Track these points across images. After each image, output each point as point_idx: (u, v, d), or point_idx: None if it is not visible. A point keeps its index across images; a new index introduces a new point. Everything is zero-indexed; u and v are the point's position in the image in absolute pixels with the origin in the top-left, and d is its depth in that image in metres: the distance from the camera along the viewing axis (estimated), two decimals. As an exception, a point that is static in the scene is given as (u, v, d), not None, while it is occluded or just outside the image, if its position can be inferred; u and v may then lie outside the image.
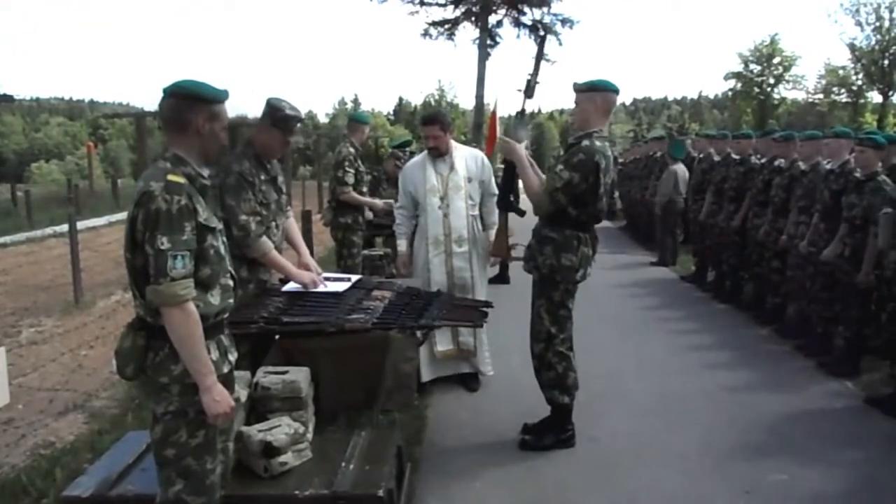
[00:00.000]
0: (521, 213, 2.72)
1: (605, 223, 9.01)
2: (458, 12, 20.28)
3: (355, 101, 51.76)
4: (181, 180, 1.48)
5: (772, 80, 28.64)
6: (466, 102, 23.11)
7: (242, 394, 1.94)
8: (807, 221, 3.83)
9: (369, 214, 4.44)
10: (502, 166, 2.75)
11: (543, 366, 2.56)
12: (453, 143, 3.25)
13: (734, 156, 5.11)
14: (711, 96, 52.92)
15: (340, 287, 2.61)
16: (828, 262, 3.49)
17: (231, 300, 1.61)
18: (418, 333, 2.58)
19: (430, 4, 20.19)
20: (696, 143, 7.37)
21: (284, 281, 2.66)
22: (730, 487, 2.32)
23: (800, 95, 29.10)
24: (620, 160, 10.39)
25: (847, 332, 3.47)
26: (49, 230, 9.71)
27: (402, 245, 3.34)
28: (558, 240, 2.46)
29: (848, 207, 3.40)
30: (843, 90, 26.66)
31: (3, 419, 2.90)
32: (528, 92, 2.51)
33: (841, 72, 26.29)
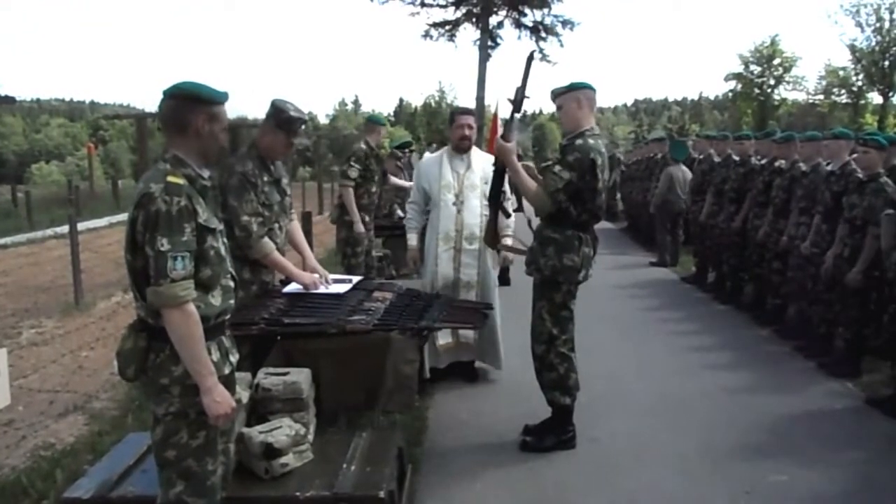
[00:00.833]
0: (507, 215, 2.74)
1: (606, 224, 9.05)
2: (458, 13, 20.30)
3: (356, 103, 51.85)
4: (181, 181, 1.48)
5: (772, 81, 28.65)
6: (467, 104, 23.07)
7: (244, 395, 1.94)
8: (807, 222, 3.83)
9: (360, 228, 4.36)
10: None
11: (545, 367, 2.56)
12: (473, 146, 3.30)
13: (734, 157, 5.11)
14: (712, 97, 53.00)
15: (341, 288, 2.61)
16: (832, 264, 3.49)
17: (232, 301, 1.62)
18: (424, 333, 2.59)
19: (430, 6, 20.22)
20: (697, 145, 7.38)
21: (285, 282, 2.66)
22: (730, 488, 2.32)
23: (800, 96, 29.13)
24: (622, 160, 10.40)
25: (847, 333, 3.47)
26: (49, 231, 9.71)
27: (412, 239, 3.36)
28: (560, 240, 2.46)
29: (849, 208, 3.41)
30: (843, 91, 26.66)
31: (4, 420, 2.90)
32: (517, 106, 2.51)
33: (841, 73, 26.29)
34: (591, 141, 2.44)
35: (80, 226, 6.45)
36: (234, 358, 1.63)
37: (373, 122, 4.65)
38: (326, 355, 2.30)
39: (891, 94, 24.39)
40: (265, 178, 2.49)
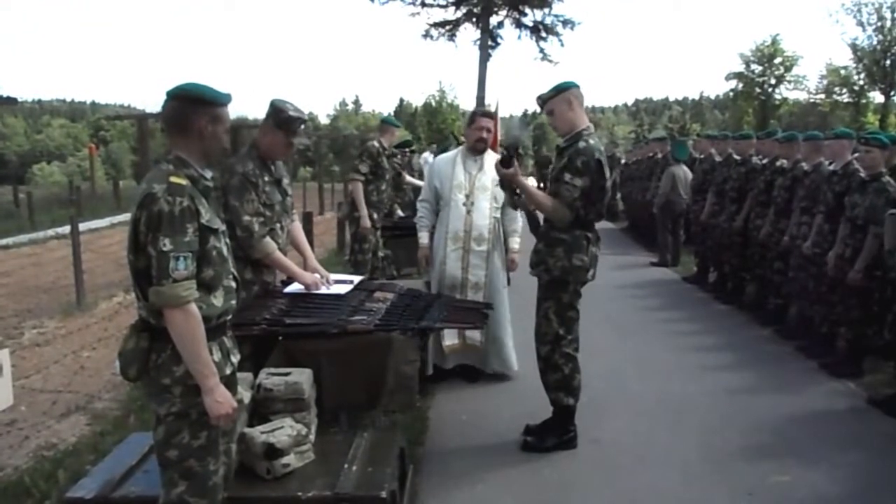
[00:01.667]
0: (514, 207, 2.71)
1: (606, 224, 9.04)
2: (459, 13, 20.32)
3: (356, 103, 51.88)
4: (183, 182, 1.49)
5: (773, 81, 28.60)
6: (467, 104, 23.08)
7: (245, 395, 1.94)
8: (808, 222, 3.82)
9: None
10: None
11: (550, 367, 2.56)
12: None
13: (735, 156, 5.11)
14: (713, 97, 52.95)
15: (342, 289, 2.61)
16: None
17: (234, 302, 1.62)
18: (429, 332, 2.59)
19: (430, 6, 20.24)
20: (698, 144, 7.37)
21: (286, 282, 2.66)
22: (732, 489, 2.32)
23: (801, 96, 29.06)
24: (623, 161, 10.39)
25: (849, 333, 3.47)
26: (51, 232, 9.72)
27: (423, 238, 3.37)
28: (568, 240, 2.46)
29: (850, 207, 3.40)
30: (844, 90, 26.59)
31: (7, 421, 2.91)
32: (505, 163, 2.51)
33: (843, 72, 26.22)
34: (591, 141, 2.45)
35: (82, 226, 6.46)
36: (235, 358, 1.64)
37: (387, 123, 4.76)
38: (328, 355, 2.30)
39: (892, 93, 24.32)
40: (266, 178, 2.49)
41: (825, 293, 3.64)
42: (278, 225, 2.55)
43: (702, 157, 6.31)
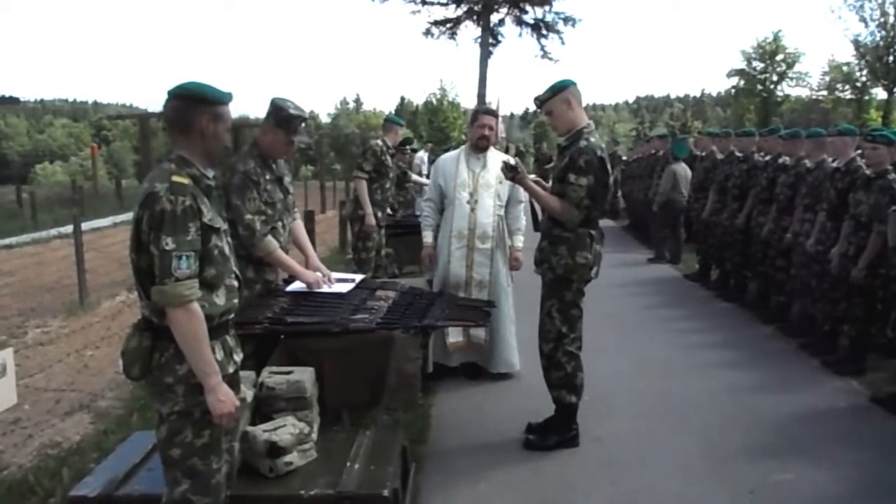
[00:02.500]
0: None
1: (608, 222, 9.03)
2: (459, 11, 20.28)
3: (357, 101, 51.85)
4: (185, 181, 1.49)
5: (775, 78, 28.49)
6: (468, 101, 23.03)
7: (248, 394, 1.95)
8: (811, 219, 3.81)
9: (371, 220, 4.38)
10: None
11: (552, 365, 2.56)
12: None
13: (737, 154, 5.09)
14: (714, 94, 52.73)
15: (344, 287, 2.62)
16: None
17: (236, 300, 1.62)
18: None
19: (431, 3, 20.20)
20: (699, 142, 7.35)
21: (288, 281, 2.67)
22: (734, 487, 2.31)
23: (803, 92, 28.98)
24: (624, 159, 10.37)
25: (853, 331, 3.45)
26: (54, 231, 9.75)
27: (427, 237, 3.38)
28: (572, 239, 2.46)
29: (854, 205, 3.39)
30: (847, 87, 26.48)
31: (11, 419, 2.92)
32: (509, 172, 2.54)
33: (845, 68, 26.10)
34: (592, 139, 2.45)
35: (85, 225, 6.47)
36: (238, 357, 1.64)
37: (391, 122, 4.75)
38: (330, 354, 2.31)
39: (895, 89, 24.20)
40: (267, 177, 2.49)
41: (828, 291, 3.63)
42: (280, 223, 2.55)
43: (703, 154, 6.29)
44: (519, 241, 3.34)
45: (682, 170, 6.58)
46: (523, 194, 3.45)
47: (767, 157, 4.66)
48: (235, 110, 1.64)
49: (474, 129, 3.27)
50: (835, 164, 3.71)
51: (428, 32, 20.57)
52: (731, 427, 2.80)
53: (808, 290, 3.91)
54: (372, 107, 50.12)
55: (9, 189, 17.80)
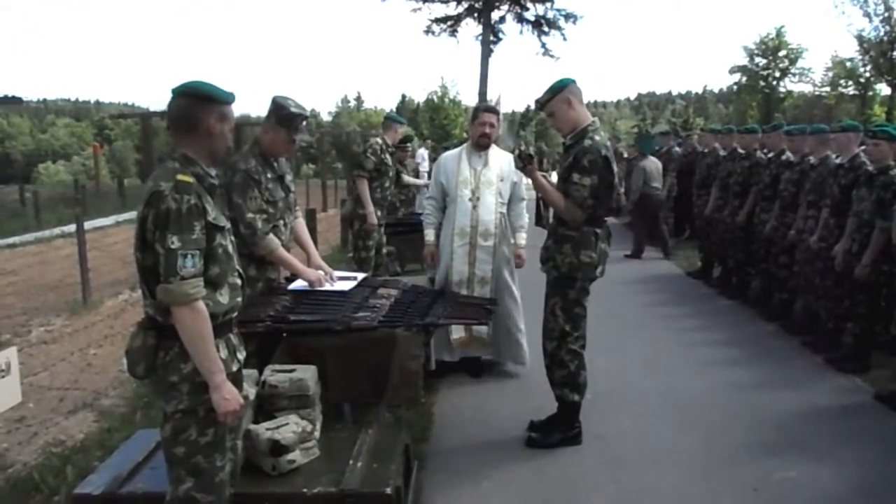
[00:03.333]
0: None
1: (609, 220, 9.01)
2: (460, 9, 20.25)
3: (358, 99, 51.80)
4: (190, 180, 1.49)
5: (777, 74, 28.36)
6: (469, 99, 23.01)
7: (251, 392, 1.95)
8: (815, 216, 3.79)
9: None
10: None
11: (555, 364, 2.56)
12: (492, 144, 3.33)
13: (740, 150, 5.07)
14: (716, 90, 52.61)
15: (346, 286, 2.62)
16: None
17: (239, 299, 1.62)
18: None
19: (432, 1, 20.15)
20: (702, 139, 7.34)
21: (290, 279, 2.67)
22: (737, 485, 2.31)
23: (806, 88, 28.83)
24: (626, 156, 10.35)
25: (856, 328, 3.44)
26: (57, 230, 9.77)
27: (429, 235, 3.39)
28: (577, 237, 2.46)
29: (858, 201, 3.37)
30: (850, 82, 26.33)
31: (16, 417, 2.93)
32: (522, 163, 2.53)
33: (848, 64, 25.96)
34: (597, 137, 2.43)
35: (87, 224, 6.48)
36: (241, 355, 1.64)
37: (391, 120, 4.71)
38: (332, 352, 2.31)
39: (899, 85, 24.05)
40: (269, 175, 2.49)
41: (831, 288, 3.61)
42: (281, 222, 2.55)
43: (705, 151, 6.28)
44: (522, 238, 3.35)
45: (651, 164, 6.76)
46: (526, 192, 3.46)
47: (770, 154, 4.64)
48: (236, 109, 1.64)
49: (475, 126, 3.28)
50: (838, 161, 3.69)
51: (429, 30, 20.56)
52: (734, 425, 2.79)
53: (811, 287, 3.89)
54: (373, 105, 50.14)
55: (12, 188, 17.85)
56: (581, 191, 2.40)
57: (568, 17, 20.14)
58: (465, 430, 2.78)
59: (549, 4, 19.93)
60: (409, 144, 7.12)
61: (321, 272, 2.61)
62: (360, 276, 2.83)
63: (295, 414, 2.04)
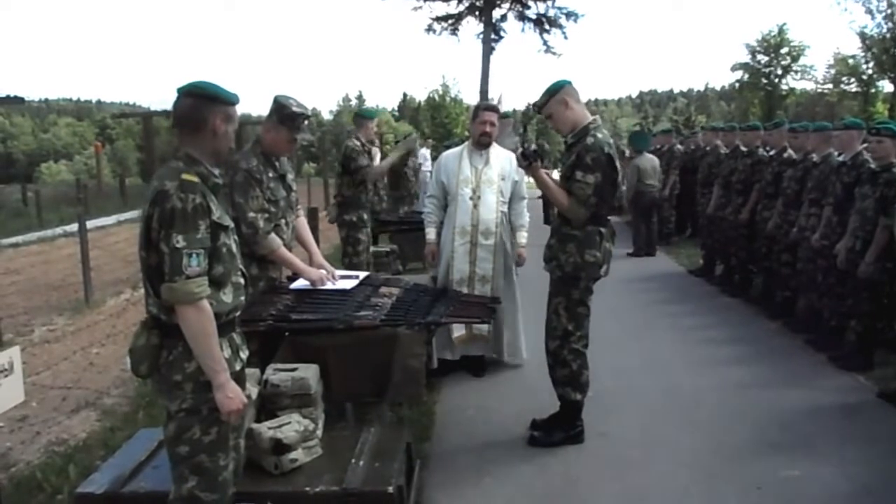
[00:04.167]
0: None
1: (611, 218, 9.00)
2: (461, 7, 20.20)
3: (359, 98, 51.80)
4: (195, 179, 1.49)
5: (780, 71, 28.26)
6: (471, 98, 22.97)
7: (253, 391, 1.95)
8: (818, 214, 3.78)
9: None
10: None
11: (558, 363, 2.56)
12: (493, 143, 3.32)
13: (742, 148, 5.05)
14: (718, 88, 52.50)
15: (348, 284, 2.62)
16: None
17: (242, 298, 1.62)
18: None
19: (433, 0, 20.09)
20: (705, 136, 7.32)
21: (292, 278, 2.67)
22: (741, 483, 2.30)
23: (808, 86, 28.74)
24: (627, 154, 10.33)
25: (859, 326, 3.43)
26: (59, 230, 9.81)
27: (430, 234, 3.39)
28: (580, 236, 2.45)
29: (861, 199, 3.36)
30: (852, 80, 26.23)
31: (18, 417, 2.94)
32: (525, 160, 2.51)
33: (851, 61, 25.85)
34: (599, 135, 2.43)
35: (89, 224, 6.50)
36: (244, 354, 1.64)
37: (361, 116, 4.44)
38: (334, 351, 2.31)
39: (902, 82, 23.94)
40: (270, 175, 2.49)
41: (834, 286, 3.60)
42: (283, 221, 2.55)
43: (708, 149, 6.26)
44: (523, 237, 3.35)
45: (646, 161, 6.76)
46: (527, 191, 3.45)
47: (772, 152, 4.62)
48: (238, 108, 1.64)
49: (476, 125, 3.28)
50: (841, 158, 3.67)
51: (430, 29, 20.52)
52: (738, 423, 2.79)
53: (814, 285, 3.88)
54: (374, 103, 50.03)
55: (14, 188, 17.92)
56: (585, 188, 2.39)
57: (569, 14, 20.11)
58: (468, 428, 2.78)
59: (550, 2, 19.89)
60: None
61: (323, 271, 2.61)
62: (362, 274, 2.83)
63: (297, 413, 2.03)
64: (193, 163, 1.53)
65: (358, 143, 4.20)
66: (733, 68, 29.34)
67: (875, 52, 24.15)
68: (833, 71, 26.95)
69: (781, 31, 27.82)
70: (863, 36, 24.17)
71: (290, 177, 2.62)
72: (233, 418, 1.54)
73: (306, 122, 2.57)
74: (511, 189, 3.28)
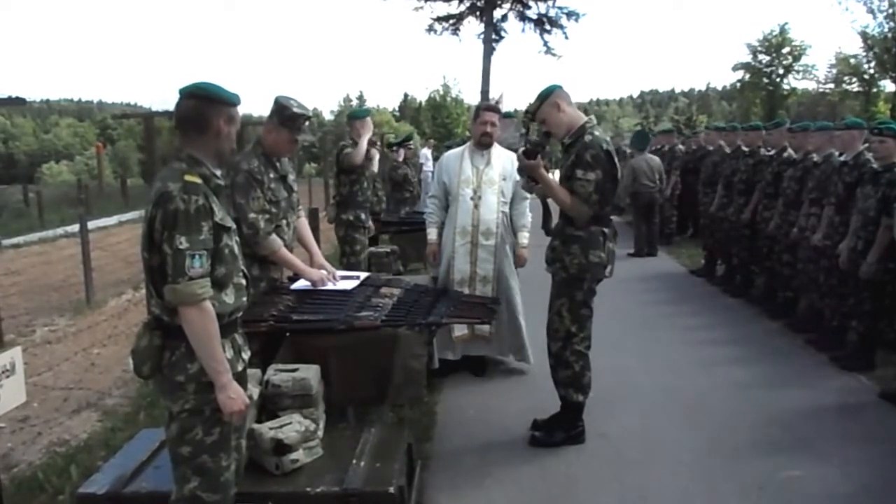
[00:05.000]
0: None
1: (612, 218, 9.02)
2: (462, 7, 20.20)
3: (360, 98, 51.79)
4: (198, 181, 1.49)
5: (781, 71, 28.25)
6: (472, 98, 22.98)
7: (254, 391, 1.95)
8: (818, 214, 3.77)
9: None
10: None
11: (560, 364, 2.55)
12: (494, 143, 3.32)
13: (744, 148, 5.05)
14: (719, 88, 52.46)
15: (349, 285, 2.62)
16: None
17: (244, 299, 1.63)
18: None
19: (434, 0, 20.10)
20: (707, 136, 7.32)
21: (293, 279, 2.67)
22: (742, 484, 2.30)
23: (810, 85, 28.72)
24: (629, 154, 10.32)
25: (861, 326, 3.42)
26: (60, 230, 9.83)
27: (432, 234, 3.39)
28: (584, 237, 2.45)
29: (863, 199, 3.35)
30: (854, 79, 26.20)
31: (20, 417, 2.95)
32: (530, 155, 2.49)
33: (852, 60, 25.82)
34: (596, 133, 2.45)
35: (91, 224, 6.52)
36: (246, 355, 1.65)
37: (353, 118, 4.36)
38: (335, 351, 2.31)
39: (903, 81, 23.90)
40: (271, 175, 2.50)
41: (836, 286, 3.59)
42: (284, 221, 2.55)
43: (711, 149, 6.26)
44: (524, 238, 3.34)
45: (642, 161, 6.78)
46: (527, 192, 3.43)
47: (772, 152, 4.62)
48: (239, 108, 1.64)
49: (476, 125, 3.28)
50: (842, 158, 3.67)
51: (431, 29, 20.52)
52: (739, 423, 2.78)
53: (815, 285, 3.87)
54: (375, 104, 50.01)
55: (16, 189, 17.94)
56: (586, 186, 2.39)
57: (570, 14, 20.10)
58: (469, 429, 2.78)
59: (550, 2, 19.87)
60: (410, 143, 7.11)
61: (324, 272, 2.61)
62: (363, 275, 2.83)
63: (298, 413, 2.04)
64: (196, 164, 1.53)
65: (350, 143, 4.20)
66: (735, 68, 29.37)
67: (877, 52, 24.11)
68: (835, 71, 26.93)
69: (783, 30, 27.83)
70: (864, 35, 24.14)
71: (291, 177, 2.63)
72: (235, 419, 1.54)
73: (307, 122, 2.57)
74: (512, 189, 3.28)
